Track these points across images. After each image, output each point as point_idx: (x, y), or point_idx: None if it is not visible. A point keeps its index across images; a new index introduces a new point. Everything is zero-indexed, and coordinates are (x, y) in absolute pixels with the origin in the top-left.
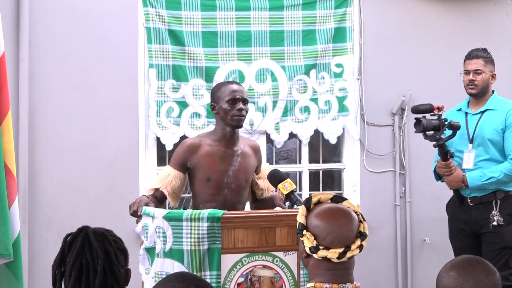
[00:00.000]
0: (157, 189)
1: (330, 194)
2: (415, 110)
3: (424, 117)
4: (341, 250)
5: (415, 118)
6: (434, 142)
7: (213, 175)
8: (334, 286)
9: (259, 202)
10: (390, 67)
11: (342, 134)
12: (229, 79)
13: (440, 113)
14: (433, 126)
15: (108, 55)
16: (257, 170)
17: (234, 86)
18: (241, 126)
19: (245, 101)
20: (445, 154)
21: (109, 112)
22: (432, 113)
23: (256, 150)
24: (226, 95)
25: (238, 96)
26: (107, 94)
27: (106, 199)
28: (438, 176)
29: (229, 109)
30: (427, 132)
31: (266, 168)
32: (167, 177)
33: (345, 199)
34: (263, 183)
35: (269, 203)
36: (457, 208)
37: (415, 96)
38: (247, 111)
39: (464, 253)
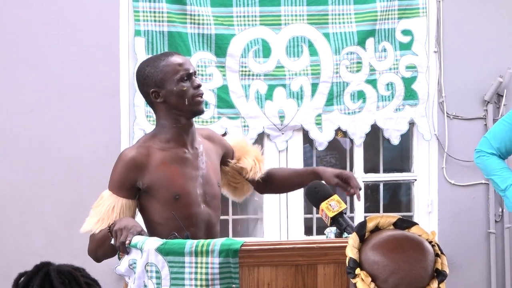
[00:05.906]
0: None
1: (393, 217)
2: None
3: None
4: None
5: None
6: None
7: (181, 189)
8: None
9: (271, 183)
10: (481, 35)
11: (410, 131)
12: (249, 51)
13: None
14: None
15: (76, 17)
16: (229, 156)
17: (177, 58)
18: (203, 111)
19: (195, 75)
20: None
21: (76, 100)
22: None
23: (212, 138)
24: (173, 72)
25: (191, 70)
26: (74, 73)
27: (72, 224)
28: None
29: (185, 89)
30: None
31: (234, 138)
32: (110, 211)
33: (415, 223)
34: (248, 160)
35: (303, 179)
36: None
37: None
38: None
39: None
